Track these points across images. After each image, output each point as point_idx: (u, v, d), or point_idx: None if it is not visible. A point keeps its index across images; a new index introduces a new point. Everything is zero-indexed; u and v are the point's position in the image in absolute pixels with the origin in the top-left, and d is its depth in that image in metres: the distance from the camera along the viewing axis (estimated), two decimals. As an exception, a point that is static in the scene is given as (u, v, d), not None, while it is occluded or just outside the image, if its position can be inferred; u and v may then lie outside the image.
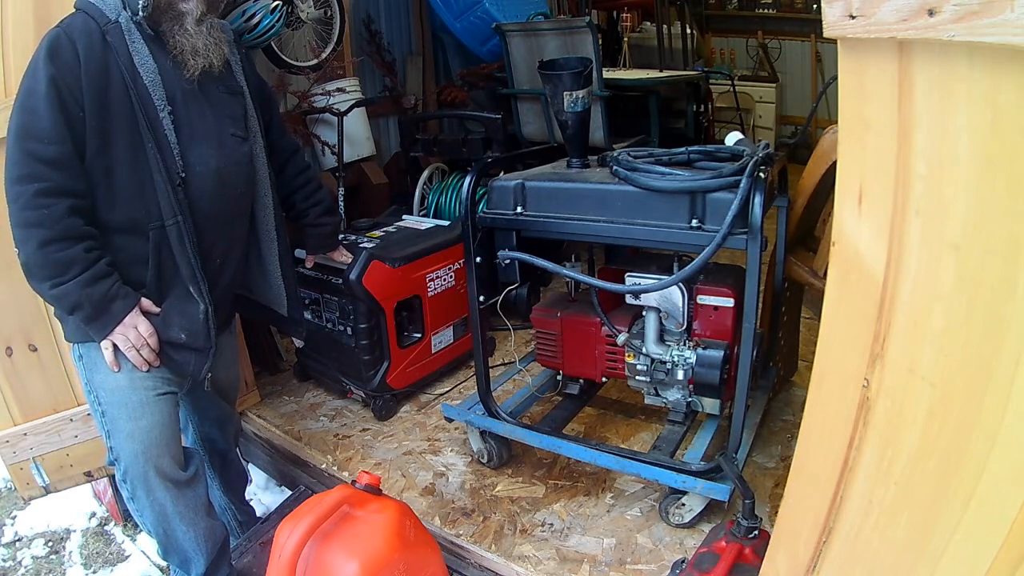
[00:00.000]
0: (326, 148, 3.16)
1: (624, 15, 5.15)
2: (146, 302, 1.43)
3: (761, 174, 1.43)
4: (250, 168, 1.60)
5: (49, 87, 1.28)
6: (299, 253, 2.07)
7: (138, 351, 1.40)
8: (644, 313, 1.79)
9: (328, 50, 3.13)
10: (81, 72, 1.31)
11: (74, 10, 1.39)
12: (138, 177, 1.39)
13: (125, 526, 2.15)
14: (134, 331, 1.39)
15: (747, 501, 1.44)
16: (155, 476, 1.43)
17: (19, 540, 2.16)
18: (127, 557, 2.07)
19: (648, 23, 5.55)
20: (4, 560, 2.09)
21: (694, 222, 1.49)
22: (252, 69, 1.69)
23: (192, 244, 1.44)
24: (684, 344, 1.77)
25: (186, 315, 1.47)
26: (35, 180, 1.28)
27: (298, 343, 2.55)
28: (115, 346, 1.40)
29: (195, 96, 1.47)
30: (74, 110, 1.31)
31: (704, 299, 1.75)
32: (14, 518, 2.25)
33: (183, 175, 1.43)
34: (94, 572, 2.03)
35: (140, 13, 1.38)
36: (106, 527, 2.18)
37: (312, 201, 1.89)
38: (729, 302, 1.72)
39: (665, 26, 4.45)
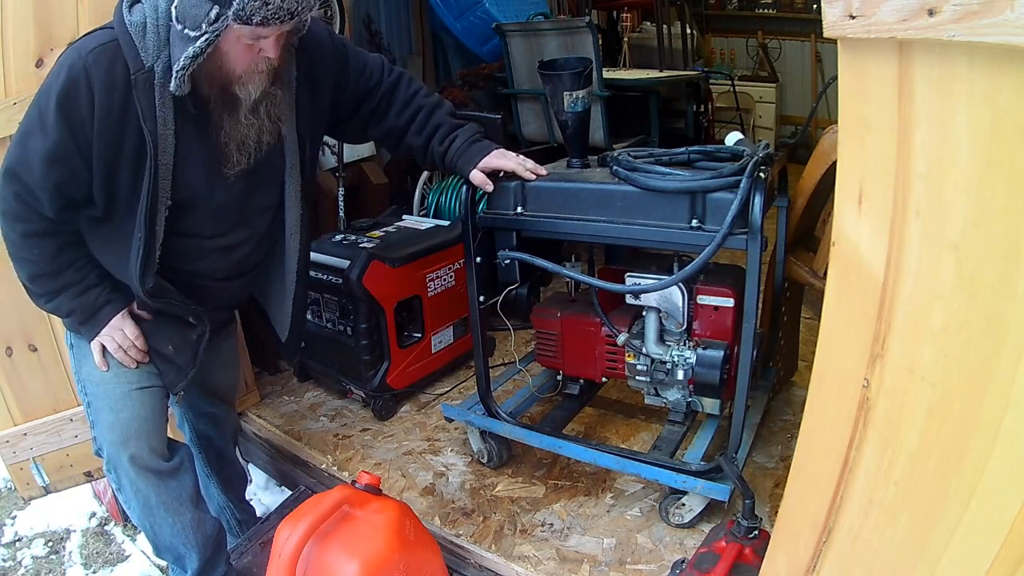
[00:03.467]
0: (326, 148, 3.16)
1: (624, 15, 5.14)
2: (136, 307, 1.45)
3: (761, 174, 1.43)
4: (266, 232, 1.53)
5: (56, 146, 1.19)
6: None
7: (125, 351, 1.43)
8: (644, 313, 1.79)
9: (328, 50, 3.13)
10: (94, 129, 1.19)
11: (111, 29, 1.20)
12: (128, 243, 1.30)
13: (125, 526, 2.15)
14: (120, 333, 1.42)
15: (747, 501, 1.44)
16: (132, 465, 1.44)
17: (19, 540, 2.16)
18: (127, 557, 2.07)
19: (648, 23, 5.54)
20: (4, 560, 2.09)
21: (694, 222, 1.48)
22: (323, 72, 1.44)
23: (188, 299, 1.44)
24: (684, 344, 1.77)
25: (180, 332, 1.49)
26: (21, 220, 1.29)
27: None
28: (104, 346, 1.43)
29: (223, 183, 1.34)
30: (81, 174, 1.23)
31: (704, 299, 1.74)
32: (14, 518, 2.24)
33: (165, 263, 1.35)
34: (94, 572, 2.02)
35: (175, 92, 1.19)
36: (106, 527, 2.18)
37: (434, 141, 1.68)
38: (729, 302, 1.72)
39: (665, 26, 4.44)
